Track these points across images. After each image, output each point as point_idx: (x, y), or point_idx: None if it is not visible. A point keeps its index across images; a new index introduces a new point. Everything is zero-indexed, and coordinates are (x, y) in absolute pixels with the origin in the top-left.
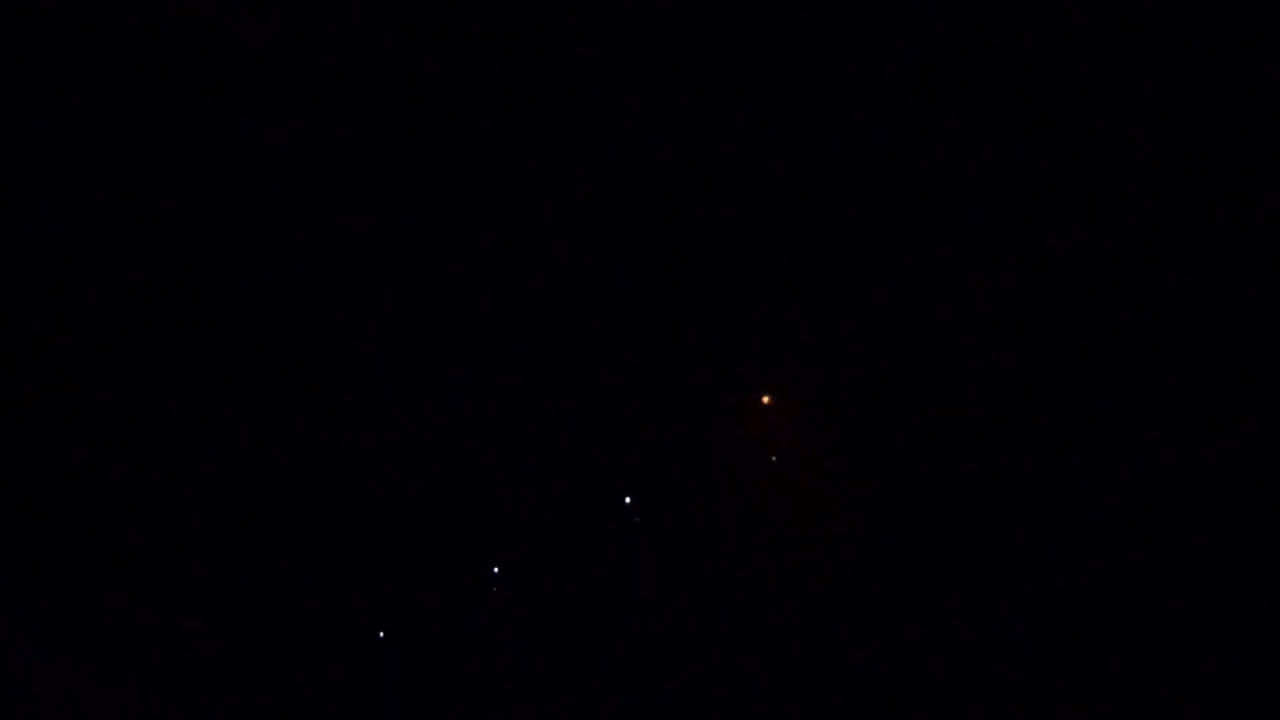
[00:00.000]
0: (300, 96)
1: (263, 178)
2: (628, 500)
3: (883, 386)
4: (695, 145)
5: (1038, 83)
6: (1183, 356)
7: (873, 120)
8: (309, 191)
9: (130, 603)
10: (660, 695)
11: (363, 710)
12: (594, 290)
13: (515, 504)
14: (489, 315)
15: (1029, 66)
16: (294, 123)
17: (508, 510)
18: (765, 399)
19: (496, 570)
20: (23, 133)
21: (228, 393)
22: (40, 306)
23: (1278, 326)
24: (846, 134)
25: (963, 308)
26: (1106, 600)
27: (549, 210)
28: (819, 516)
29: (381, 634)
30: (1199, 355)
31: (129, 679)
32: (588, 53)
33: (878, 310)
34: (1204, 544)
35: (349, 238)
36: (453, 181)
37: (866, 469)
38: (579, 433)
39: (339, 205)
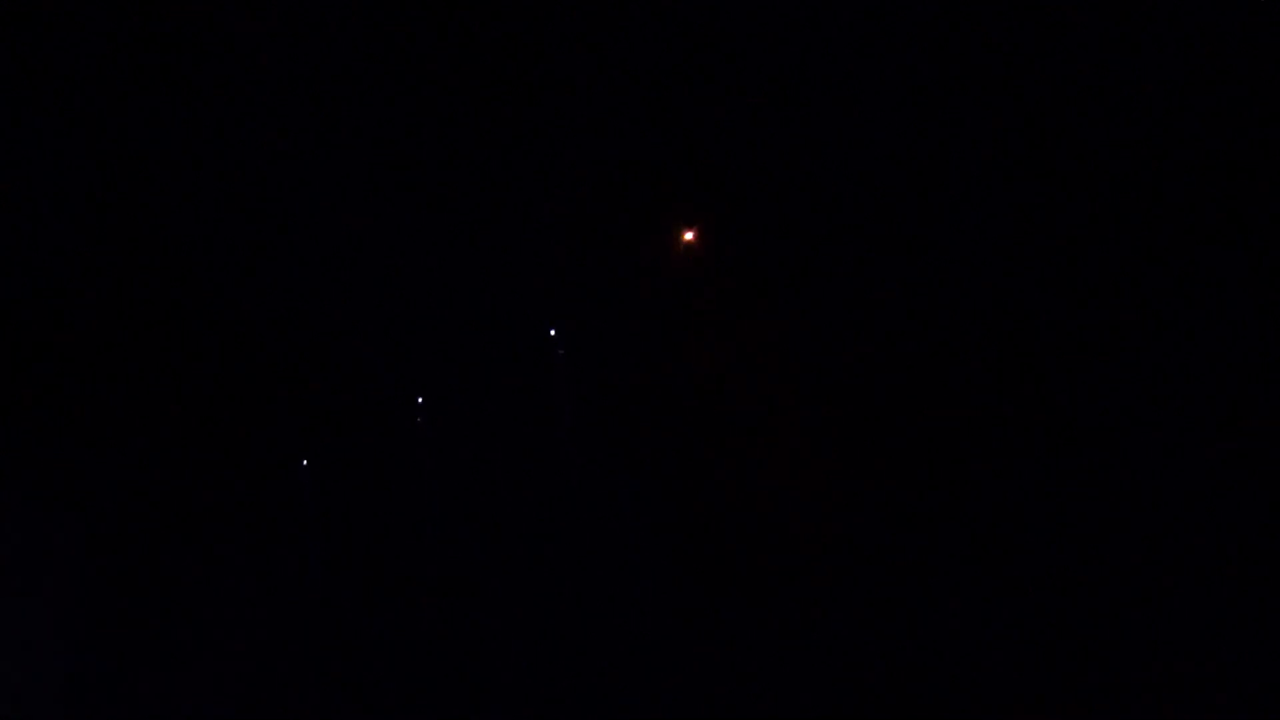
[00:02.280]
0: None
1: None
2: (552, 332)
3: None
4: None
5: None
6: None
7: None
8: None
9: None
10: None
11: (283, 541)
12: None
13: (438, 334)
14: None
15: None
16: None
17: (430, 341)
18: (690, 234)
19: (420, 401)
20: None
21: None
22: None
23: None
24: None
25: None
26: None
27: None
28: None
29: (305, 462)
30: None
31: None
32: None
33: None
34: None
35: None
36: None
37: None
38: (505, 260)
39: None
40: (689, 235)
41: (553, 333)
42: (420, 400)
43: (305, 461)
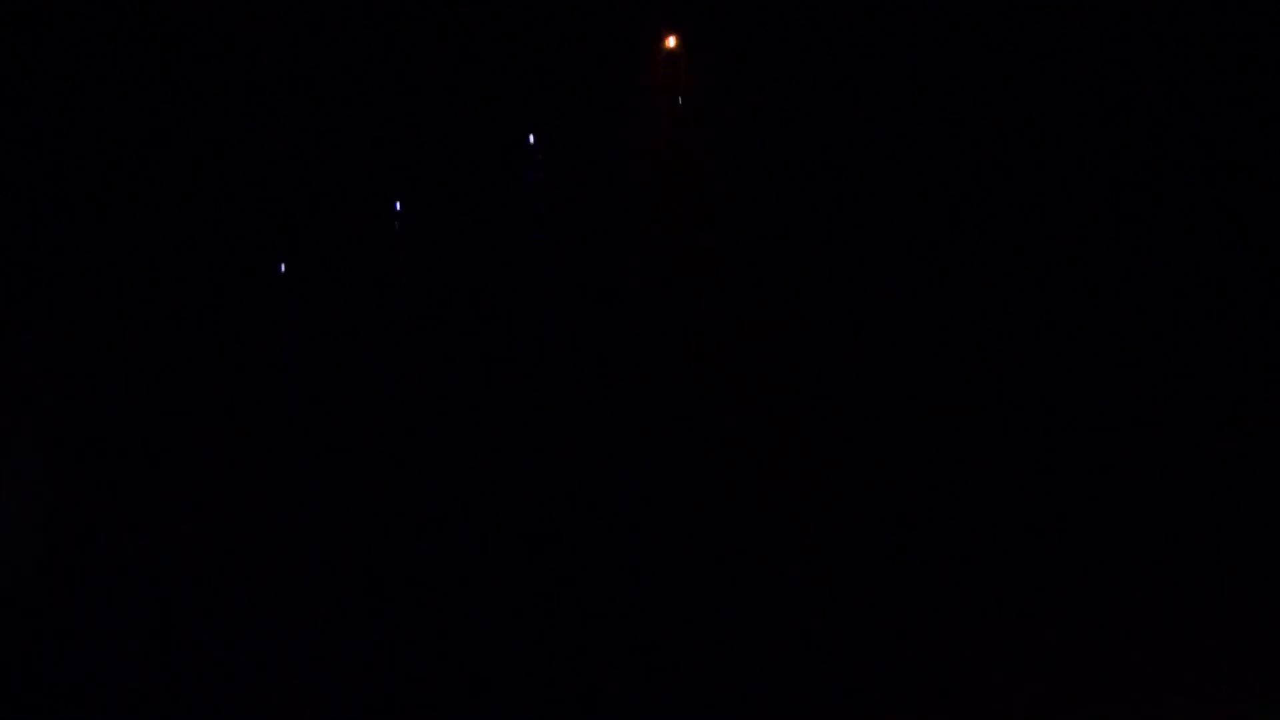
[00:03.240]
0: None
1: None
2: (531, 139)
3: None
4: None
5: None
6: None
7: None
8: None
9: None
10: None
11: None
12: None
13: (416, 143)
14: None
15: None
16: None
17: (409, 147)
18: (673, 42)
19: (399, 207)
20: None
21: None
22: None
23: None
24: None
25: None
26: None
27: None
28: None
29: (282, 267)
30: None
31: None
32: None
33: None
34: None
35: None
36: None
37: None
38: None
39: None
40: (671, 42)
41: (532, 139)
42: (399, 206)
43: (283, 267)
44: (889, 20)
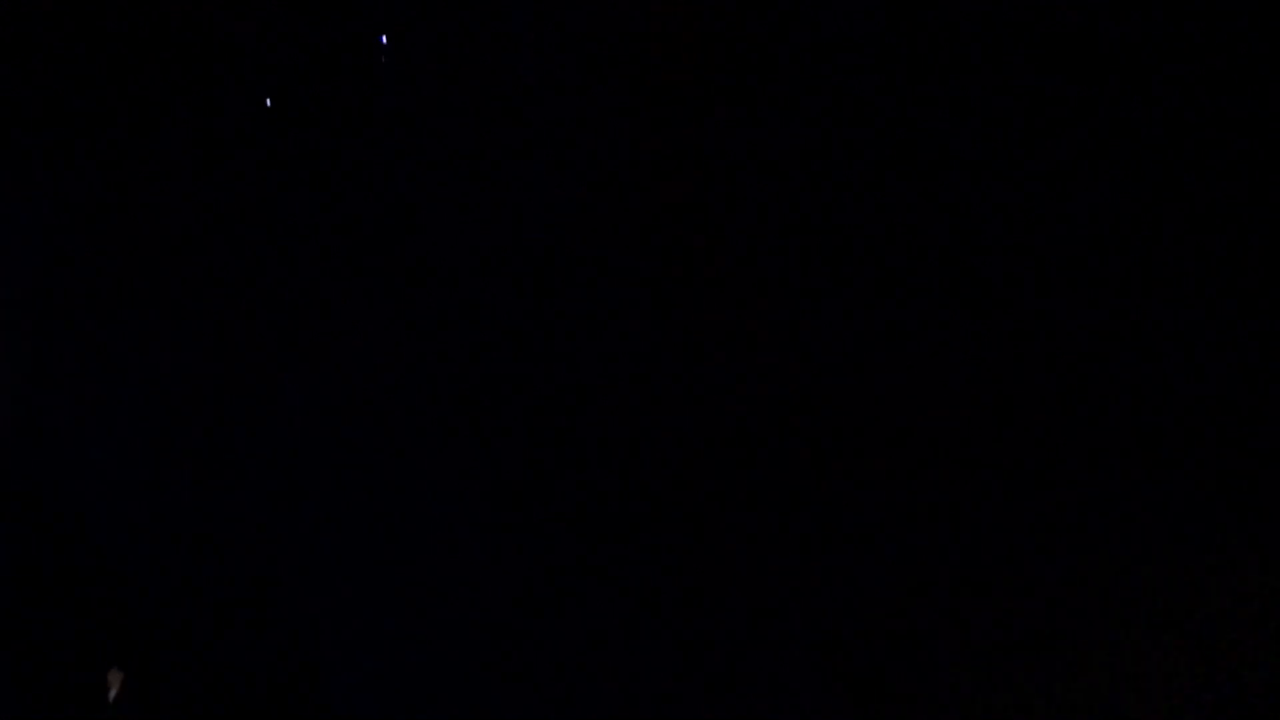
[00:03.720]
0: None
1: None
2: None
3: None
4: None
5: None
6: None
7: None
8: None
9: None
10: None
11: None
12: None
13: None
14: None
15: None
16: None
17: None
18: None
19: (384, 41)
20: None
21: None
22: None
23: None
24: None
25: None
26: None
27: None
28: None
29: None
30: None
31: None
32: None
33: None
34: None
35: None
36: None
37: None
38: None
39: None
40: None
41: None
42: (384, 40)
43: (269, 102)
44: None
